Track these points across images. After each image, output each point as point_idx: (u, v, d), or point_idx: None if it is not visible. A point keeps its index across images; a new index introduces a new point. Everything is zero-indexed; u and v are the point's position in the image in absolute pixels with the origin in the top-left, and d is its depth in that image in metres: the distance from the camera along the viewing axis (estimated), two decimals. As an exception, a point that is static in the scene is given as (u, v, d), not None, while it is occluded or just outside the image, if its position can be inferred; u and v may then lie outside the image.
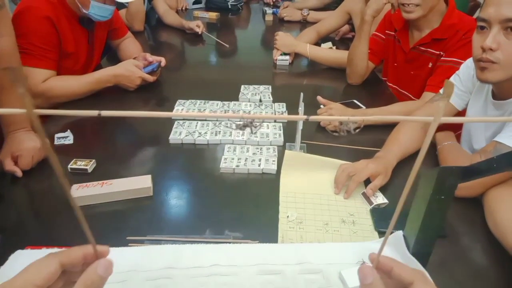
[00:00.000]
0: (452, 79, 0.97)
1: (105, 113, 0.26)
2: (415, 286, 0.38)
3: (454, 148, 0.92)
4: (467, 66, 0.94)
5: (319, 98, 1.14)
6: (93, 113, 0.26)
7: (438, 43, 1.18)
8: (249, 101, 1.25)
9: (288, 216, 0.78)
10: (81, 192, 0.80)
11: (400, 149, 0.92)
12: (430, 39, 1.20)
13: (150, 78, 1.27)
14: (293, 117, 0.27)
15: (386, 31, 1.37)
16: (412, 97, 1.30)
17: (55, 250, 0.65)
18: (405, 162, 0.93)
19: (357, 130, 0.34)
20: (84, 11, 1.19)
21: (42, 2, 1.13)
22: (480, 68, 0.79)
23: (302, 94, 0.93)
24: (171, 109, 1.18)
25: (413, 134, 0.96)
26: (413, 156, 0.96)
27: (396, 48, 1.33)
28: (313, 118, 0.26)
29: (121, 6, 1.82)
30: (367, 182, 0.85)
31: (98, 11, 1.20)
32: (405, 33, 1.28)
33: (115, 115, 0.26)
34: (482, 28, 0.78)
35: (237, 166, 0.92)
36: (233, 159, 0.94)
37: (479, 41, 0.78)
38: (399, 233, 0.67)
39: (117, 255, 0.64)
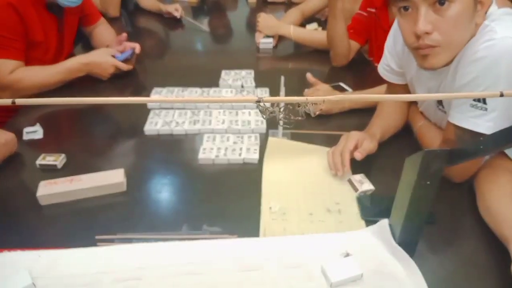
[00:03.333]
0: (383, 59, 0.93)
1: (19, 101, 0.21)
2: None
3: (428, 128, 0.88)
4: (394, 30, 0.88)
5: (308, 75, 1.10)
6: (7, 101, 0.21)
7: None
8: (230, 87, 1.19)
9: (270, 208, 0.74)
10: (48, 190, 0.75)
11: (381, 121, 0.89)
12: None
13: (124, 67, 1.21)
14: (243, 98, 0.23)
15: (368, 9, 1.32)
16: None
17: (17, 253, 0.62)
18: (390, 146, 0.89)
19: (317, 113, 0.30)
20: (51, -4, 1.11)
21: None
22: (420, 56, 0.69)
23: (283, 77, 0.89)
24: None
25: (394, 108, 0.92)
26: (398, 139, 0.92)
27: (378, 26, 1.28)
28: (266, 99, 0.21)
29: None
30: (355, 170, 0.81)
31: None
32: (384, 11, 1.23)
33: (30, 103, 0.21)
34: (405, 9, 0.67)
35: (217, 156, 0.87)
36: (212, 149, 0.90)
37: (408, 26, 0.67)
38: (385, 221, 0.64)
39: (84, 255, 0.61)
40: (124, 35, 1.27)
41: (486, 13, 0.68)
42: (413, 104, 0.95)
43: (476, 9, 0.66)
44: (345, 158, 0.79)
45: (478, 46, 0.66)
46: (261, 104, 0.23)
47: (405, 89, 0.92)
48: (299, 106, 0.23)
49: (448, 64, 0.72)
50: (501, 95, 0.33)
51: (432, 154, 0.53)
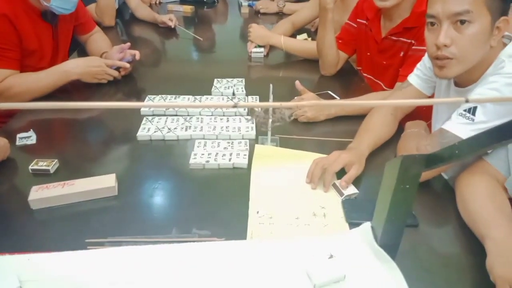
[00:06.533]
0: (418, 65, 0.97)
1: (3, 105, 0.23)
2: None
3: (412, 135, 0.91)
4: None
5: (297, 83, 1.13)
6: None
7: (409, 31, 1.18)
8: (222, 95, 1.22)
9: (258, 212, 0.76)
10: (40, 194, 0.76)
11: (371, 138, 0.91)
12: (402, 29, 1.19)
13: (118, 63, 1.24)
14: (219, 104, 0.25)
15: (358, 20, 1.35)
16: (384, 87, 1.29)
17: (6, 257, 0.63)
18: (375, 152, 0.92)
19: (292, 118, 0.32)
20: (45, 3, 1.13)
21: None
22: (437, 66, 0.79)
23: (271, 85, 0.91)
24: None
25: (383, 122, 0.95)
26: (383, 146, 0.95)
27: (368, 37, 1.32)
28: (241, 104, 0.23)
29: (89, 1, 1.77)
30: (340, 174, 0.83)
31: (60, 3, 1.15)
32: (376, 22, 1.27)
33: (12, 107, 0.23)
34: (432, 24, 0.78)
35: (207, 161, 0.89)
36: (203, 154, 0.92)
37: (432, 38, 0.78)
38: (367, 224, 0.66)
39: (73, 259, 0.62)
40: (128, 44, 1.31)
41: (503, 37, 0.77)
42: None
43: (492, 33, 0.75)
44: (327, 180, 0.81)
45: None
46: (256, 112, 0.25)
47: (422, 98, 0.96)
48: (274, 113, 0.25)
49: (472, 82, 0.81)
50: (467, 100, 0.36)
51: (411, 158, 0.55)
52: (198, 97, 1.18)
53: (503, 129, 0.41)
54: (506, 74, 0.74)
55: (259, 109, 0.80)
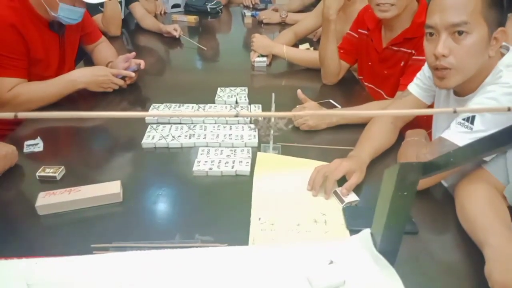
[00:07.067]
0: (418, 75, 0.99)
1: (21, 115, 0.25)
2: None
3: (412, 144, 0.92)
4: None
5: (299, 92, 1.15)
6: (9, 115, 0.25)
7: (410, 41, 1.20)
8: (225, 103, 1.24)
9: (260, 218, 0.78)
10: (47, 200, 0.78)
11: (372, 146, 0.93)
12: (402, 39, 1.21)
13: (118, 78, 1.27)
14: (221, 113, 0.26)
15: (359, 30, 1.38)
16: (385, 96, 1.31)
17: (14, 261, 0.64)
18: (376, 160, 0.93)
19: (290, 126, 0.34)
20: (53, 14, 1.16)
21: (5, 9, 1.10)
22: (437, 77, 0.81)
23: (273, 94, 0.93)
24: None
25: (384, 130, 0.97)
26: (383, 154, 0.96)
27: (369, 47, 1.34)
28: (243, 114, 0.25)
29: (95, 11, 1.81)
30: (341, 181, 0.85)
31: (67, 13, 1.18)
32: (377, 33, 1.29)
33: (29, 116, 0.25)
34: (431, 34, 0.80)
35: (210, 168, 0.91)
36: (206, 161, 0.93)
37: (430, 48, 0.80)
38: (367, 231, 0.67)
39: (80, 263, 0.64)
40: (133, 53, 1.34)
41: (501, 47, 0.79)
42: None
43: (490, 44, 0.76)
44: (328, 188, 0.83)
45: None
46: (260, 123, 0.27)
47: (422, 107, 0.98)
48: (269, 122, 0.27)
49: (471, 91, 0.82)
50: (454, 111, 0.38)
51: (408, 166, 0.56)
52: (202, 105, 1.20)
53: (495, 138, 0.43)
54: (504, 84, 0.76)
55: (261, 118, 0.82)
